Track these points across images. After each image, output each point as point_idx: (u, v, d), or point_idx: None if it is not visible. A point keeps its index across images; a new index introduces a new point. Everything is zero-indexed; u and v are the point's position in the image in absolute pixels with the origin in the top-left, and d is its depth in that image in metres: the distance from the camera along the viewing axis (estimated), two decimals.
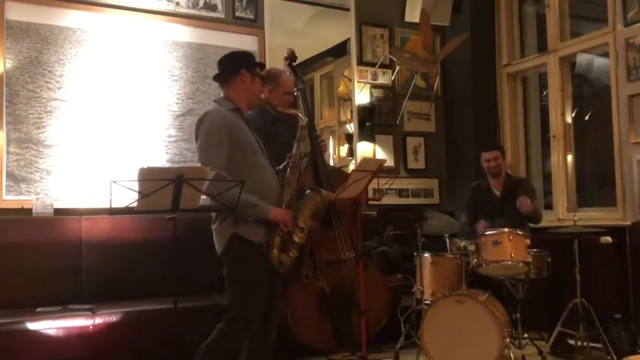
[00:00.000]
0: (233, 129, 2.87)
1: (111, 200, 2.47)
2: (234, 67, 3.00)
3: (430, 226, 4.10)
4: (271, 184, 2.96)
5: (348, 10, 5.44)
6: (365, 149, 5.43)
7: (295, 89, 4.19)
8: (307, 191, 3.07)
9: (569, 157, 5.23)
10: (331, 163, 5.59)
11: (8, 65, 4.07)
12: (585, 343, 3.82)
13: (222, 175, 2.73)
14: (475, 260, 3.91)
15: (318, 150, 4.12)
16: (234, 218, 2.82)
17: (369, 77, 5.49)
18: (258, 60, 3.16)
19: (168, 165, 4.43)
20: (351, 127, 5.52)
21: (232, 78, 2.99)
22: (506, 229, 3.86)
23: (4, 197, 3.99)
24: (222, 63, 3.08)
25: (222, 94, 3.07)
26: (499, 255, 3.81)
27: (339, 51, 5.71)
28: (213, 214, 2.93)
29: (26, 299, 3.67)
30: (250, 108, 3.14)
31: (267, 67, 4.73)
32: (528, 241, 3.94)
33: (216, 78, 3.09)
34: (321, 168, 4.10)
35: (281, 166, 3.09)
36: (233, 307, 2.85)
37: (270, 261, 2.88)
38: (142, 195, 2.48)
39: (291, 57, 4.24)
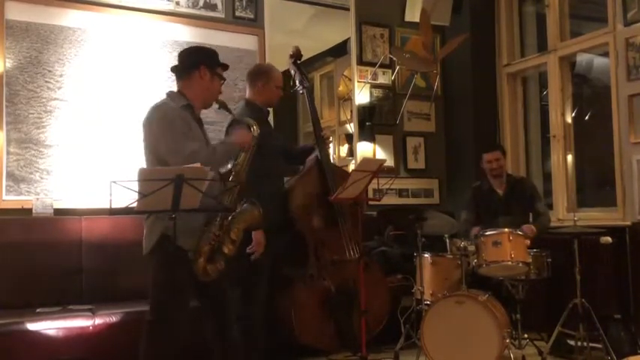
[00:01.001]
0: (185, 128, 2.77)
1: (111, 200, 2.46)
2: (194, 61, 2.90)
3: (430, 226, 4.10)
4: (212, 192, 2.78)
5: (348, 9, 5.44)
6: (365, 149, 5.43)
7: (301, 87, 4.19)
8: (245, 204, 2.92)
9: (569, 157, 5.22)
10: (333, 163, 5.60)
11: (8, 65, 4.07)
12: (585, 344, 3.82)
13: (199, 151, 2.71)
14: (475, 260, 3.91)
15: (323, 148, 4.12)
16: (169, 218, 2.64)
17: (369, 77, 5.49)
18: (222, 61, 3.01)
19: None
20: (351, 127, 5.51)
21: (190, 72, 2.88)
22: (506, 230, 3.87)
23: (4, 197, 3.99)
24: (182, 56, 2.98)
25: (175, 89, 2.96)
26: (499, 255, 3.81)
27: (339, 51, 5.71)
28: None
29: (26, 299, 3.67)
30: (205, 107, 3.01)
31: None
32: (528, 242, 3.94)
33: (173, 69, 2.97)
34: (327, 166, 4.09)
35: (224, 169, 3.00)
36: (155, 310, 2.75)
37: (194, 269, 2.72)
38: (142, 195, 2.47)
39: (296, 55, 4.24)
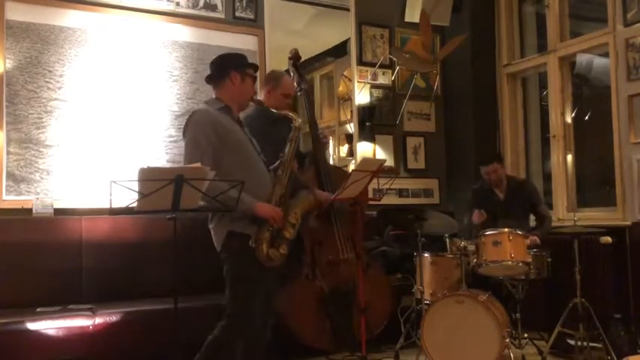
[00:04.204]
0: (220, 128, 2.86)
1: (111, 200, 2.46)
2: (223, 68, 3.02)
3: (430, 226, 4.10)
4: (263, 182, 2.94)
5: (348, 10, 5.44)
6: (365, 149, 5.43)
7: (299, 89, 4.21)
8: (301, 191, 3.08)
9: (569, 157, 5.22)
10: (331, 163, 5.60)
11: (8, 65, 4.07)
12: (585, 343, 3.82)
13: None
14: (475, 260, 3.91)
15: (319, 149, 4.13)
16: (231, 216, 2.82)
17: (369, 77, 5.49)
18: (251, 61, 3.14)
19: (168, 165, 4.42)
20: (351, 127, 5.52)
21: (222, 79, 3.01)
22: (506, 229, 3.87)
23: (4, 197, 3.99)
24: (213, 65, 3.10)
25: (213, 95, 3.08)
26: (499, 255, 3.82)
27: (339, 51, 5.71)
28: (210, 213, 2.93)
29: (26, 299, 3.68)
30: (242, 108, 3.13)
31: (267, 68, 4.76)
32: (528, 242, 3.95)
33: (208, 80, 3.10)
34: (322, 167, 4.10)
35: (275, 165, 3.08)
36: (233, 303, 2.86)
37: (258, 255, 2.84)
38: (142, 195, 2.48)
39: (295, 56, 4.25)
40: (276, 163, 3.07)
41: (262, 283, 2.91)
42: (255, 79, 3.14)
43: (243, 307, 2.85)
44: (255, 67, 3.15)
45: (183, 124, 2.97)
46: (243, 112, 3.23)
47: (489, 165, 4.50)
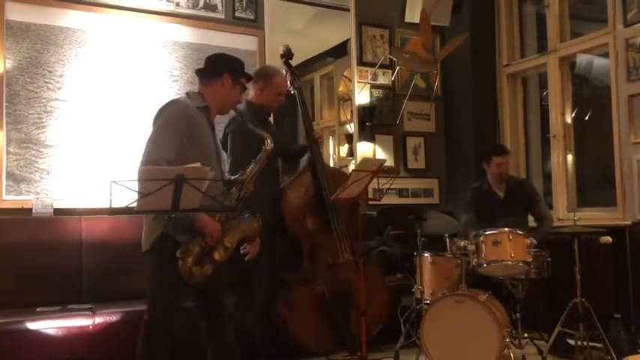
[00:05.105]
0: (193, 126, 2.79)
1: (111, 200, 2.46)
2: (218, 67, 2.96)
3: (430, 226, 4.10)
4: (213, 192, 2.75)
5: (348, 10, 5.44)
6: (365, 149, 5.43)
7: (292, 88, 4.15)
8: (246, 215, 2.89)
9: (569, 157, 5.22)
10: (331, 164, 5.60)
11: (8, 65, 4.07)
12: (585, 343, 3.82)
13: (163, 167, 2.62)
14: (475, 260, 3.91)
15: (315, 148, 4.11)
16: (168, 217, 2.66)
17: (369, 77, 5.49)
18: (246, 71, 3.07)
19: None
20: (351, 127, 5.52)
21: (213, 78, 2.94)
22: (506, 229, 3.87)
23: (4, 197, 3.99)
24: (208, 60, 3.04)
25: (197, 89, 3.01)
26: (499, 255, 3.82)
27: (339, 51, 5.71)
28: None
29: (26, 299, 3.68)
30: (221, 113, 3.04)
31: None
32: (528, 241, 3.94)
33: (198, 72, 3.02)
34: (319, 168, 4.08)
35: (232, 177, 2.97)
36: (152, 309, 2.75)
37: (180, 268, 2.65)
38: (142, 195, 2.47)
39: (287, 54, 4.19)
40: (235, 177, 2.95)
41: (183, 289, 2.74)
42: (245, 89, 3.07)
43: (162, 313, 2.72)
44: (249, 78, 3.09)
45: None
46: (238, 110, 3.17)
47: (505, 155, 4.50)
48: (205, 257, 2.70)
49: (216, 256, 2.73)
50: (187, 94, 3.00)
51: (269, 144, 2.98)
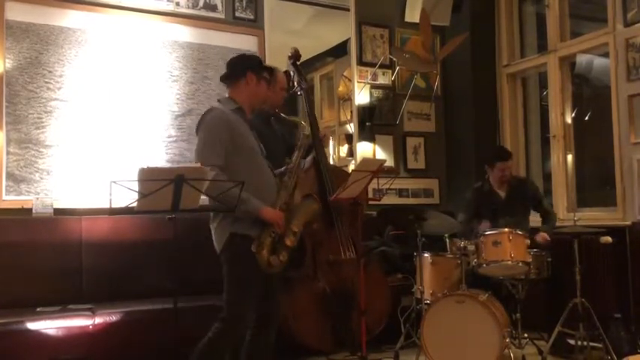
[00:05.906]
0: (233, 129, 2.89)
1: (111, 200, 2.47)
2: (240, 68, 3.04)
3: (430, 226, 4.09)
4: (269, 186, 2.96)
5: (348, 10, 5.44)
6: (365, 149, 5.43)
7: (299, 88, 4.20)
8: (306, 198, 3.07)
9: (569, 157, 5.22)
10: (331, 164, 5.60)
11: (8, 65, 4.07)
12: (585, 343, 3.82)
13: (217, 174, 2.75)
14: (475, 260, 3.91)
15: (320, 149, 4.12)
16: (233, 217, 2.82)
17: (369, 77, 5.49)
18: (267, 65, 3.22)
19: (168, 165, 4.42)
20: (351, 127, 5.52)
21: (238, 79, 3.03)
22: (506, 229, 3.87)
23: (4, 197, 3.99)
24: (230, 64, 3.12)
25: (227, 95, 3.10)
26: (499, 255, 3.81)
27: (339, 51, 5.71)
28: (212, 213, 2.93)
29: (26, 299, 3.68)
30: (254, 110, 3.16)
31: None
32: (528, 241, 3.94)
33: (223, 78, 3.12)
34: (323, 167, 4.10)
35: (282, 170, 3.10)
36: (229, 306, 2.85)
37: (259, 261, 2.83)
38: (142, 195, 2.48)
39: (295, 56, 4.24)
40: (282, 169, 3.09)
41: (258, 285, 2.89)
42: (269, 82, 3.18)
43: (240, 311, 2.84)
44: (270, 71, 3.19)
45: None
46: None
47: (508, 160, 4.50)
48: (278, 245, 2.88)
49: (288, 242, 2.91)
50: (219, 100, 3.12)
51: (307, 128, 3.14)
